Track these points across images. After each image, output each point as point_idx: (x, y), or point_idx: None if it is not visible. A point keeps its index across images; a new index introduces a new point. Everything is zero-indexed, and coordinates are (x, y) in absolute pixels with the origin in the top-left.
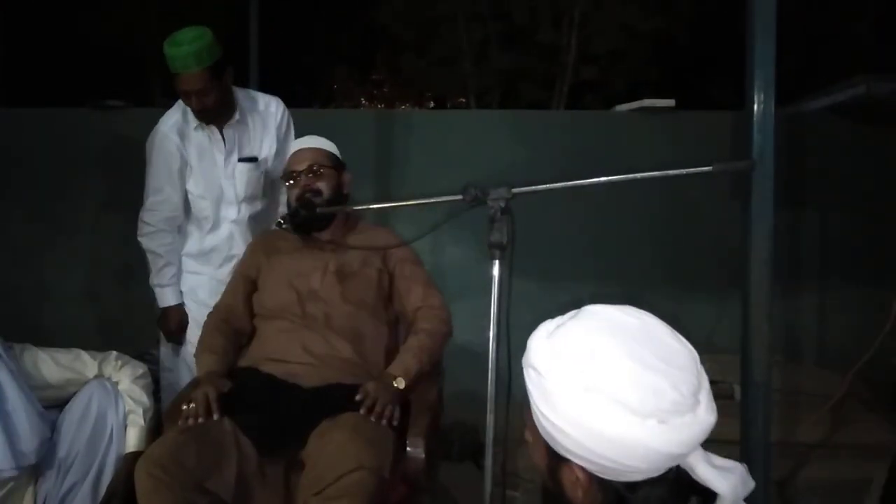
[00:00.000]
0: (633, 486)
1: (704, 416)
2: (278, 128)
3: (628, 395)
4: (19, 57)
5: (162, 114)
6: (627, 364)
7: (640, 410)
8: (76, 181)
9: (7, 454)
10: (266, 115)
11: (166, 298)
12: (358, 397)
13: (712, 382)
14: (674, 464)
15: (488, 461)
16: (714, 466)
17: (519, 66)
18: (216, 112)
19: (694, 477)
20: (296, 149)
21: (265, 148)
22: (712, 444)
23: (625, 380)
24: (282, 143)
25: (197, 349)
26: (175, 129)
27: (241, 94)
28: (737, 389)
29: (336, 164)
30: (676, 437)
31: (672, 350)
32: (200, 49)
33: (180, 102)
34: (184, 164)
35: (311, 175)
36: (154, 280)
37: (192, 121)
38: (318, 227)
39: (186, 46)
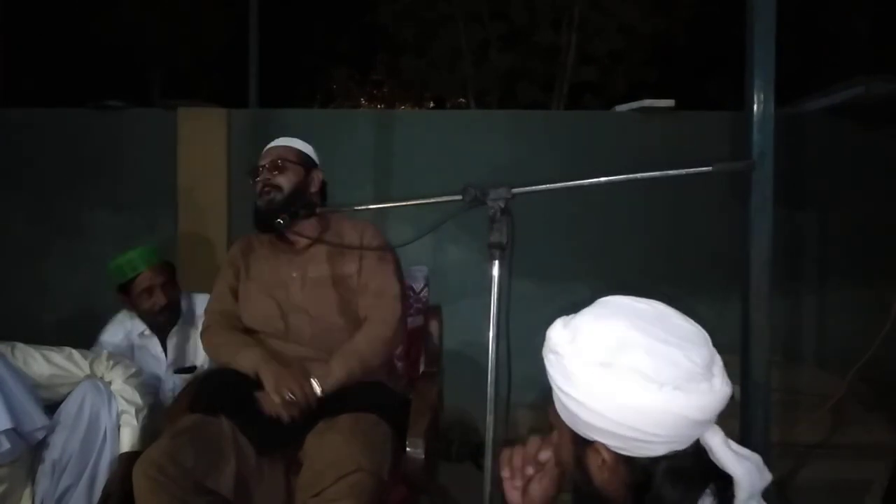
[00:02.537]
0: (656, 461)
1: (720, 386)
2: None
3: (645, 365)
4: (19, 57)
5: (162, 114)
6: (642, 339)
7: (657, 378)
8: (76, 181)
9: (5, 418)
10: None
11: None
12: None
13: None
14: (694, 433)
15: (488, 461)
16: (732, 450)
17: (518, 66)
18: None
19: (712, 458)
20: (267, 147)
21: (200, 355)
22: None
23: (640, 352)
24: None
25: (222, 351)
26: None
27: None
28: (737, 389)
29: (304, 162)
30: (695, 401)
31: (684, 329)
32: None
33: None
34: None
35: (274, 171)
36: None
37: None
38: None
39: None
